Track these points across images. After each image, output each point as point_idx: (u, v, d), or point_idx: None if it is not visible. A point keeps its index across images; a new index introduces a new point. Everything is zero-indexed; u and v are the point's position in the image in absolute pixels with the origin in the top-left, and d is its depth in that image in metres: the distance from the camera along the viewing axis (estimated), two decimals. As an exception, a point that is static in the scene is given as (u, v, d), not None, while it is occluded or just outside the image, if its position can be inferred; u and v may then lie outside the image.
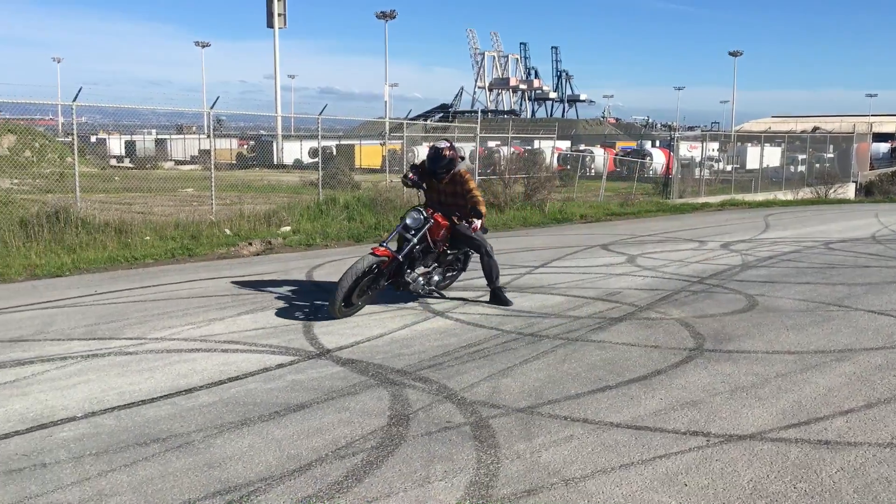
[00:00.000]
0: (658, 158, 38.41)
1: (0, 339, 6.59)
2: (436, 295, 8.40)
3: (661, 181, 28.76)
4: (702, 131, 49.03)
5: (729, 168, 34.65)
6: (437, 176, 8.09)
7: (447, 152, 8.00)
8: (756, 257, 11.83)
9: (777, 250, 12.69)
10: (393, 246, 7.69)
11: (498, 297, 8.21)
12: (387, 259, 7.51)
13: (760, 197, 27.92)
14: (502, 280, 8.55)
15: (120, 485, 3.83)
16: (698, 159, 30.99)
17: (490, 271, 8.17)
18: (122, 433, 4.50)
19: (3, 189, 19.02)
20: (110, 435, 4.47)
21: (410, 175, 8.11)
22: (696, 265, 11.01)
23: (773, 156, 35.72)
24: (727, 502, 3.74)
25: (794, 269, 10.72)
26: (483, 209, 7.83)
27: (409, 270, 7.75)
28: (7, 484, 3.83)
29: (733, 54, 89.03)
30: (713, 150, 35.70)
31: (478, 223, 7.86)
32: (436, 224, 7.79)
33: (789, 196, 29.14)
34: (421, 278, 7.91)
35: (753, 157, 36.56)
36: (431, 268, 8.11)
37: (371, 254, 7.46)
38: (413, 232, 7.70)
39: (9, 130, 29.06)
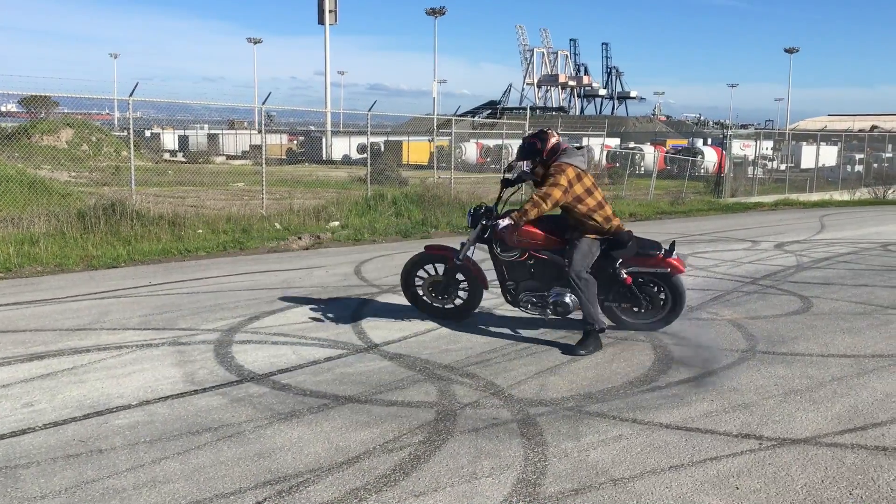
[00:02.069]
0: (710, 157, 37.74)
1: (59, 328, 6.77)
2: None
3: (712, 180, 28.25)
4: (755, 129, 48.12)
5: (783, 167, 33.96)
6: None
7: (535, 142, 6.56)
8: (811, 258, 11.56)
9: (833, 251, 12.38)
10: None
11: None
12: None
13: (815, 197, 27.26)
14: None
15: (173, 472, 3.91)
16: (751, 158, 30.40)
17: None
18: (175, 422, 4.59)
19: (62, 181, 19.58)
20: (164, 423, 4.57)
21: None
22: (748, 265, 10.80)
23: (828, 155, 34.88)
24: (780, 507, 3.66)
25: (850, 270, 10.45)
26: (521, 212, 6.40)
27: None
28: (65, 469, 3.93)
29: (789, 51, 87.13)
30: (767, 148, 35.02)
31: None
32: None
33: (846, 196, 28.39)
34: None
35: (808, 156, 35.76)
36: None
37: None
38: None
39: (67, 124, 29.91)
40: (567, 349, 6.26)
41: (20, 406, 4.81)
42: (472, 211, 6.95)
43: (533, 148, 6.51)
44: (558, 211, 6.52)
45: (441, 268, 7.13)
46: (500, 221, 6.39)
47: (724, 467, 4.07)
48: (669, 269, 6.59)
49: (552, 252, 6.57)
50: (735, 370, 5.79)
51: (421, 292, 7.24)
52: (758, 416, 4.83)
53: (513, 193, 7.40)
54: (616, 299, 6.75)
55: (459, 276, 7.10)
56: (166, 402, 4.92)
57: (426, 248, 7.27)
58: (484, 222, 6.72)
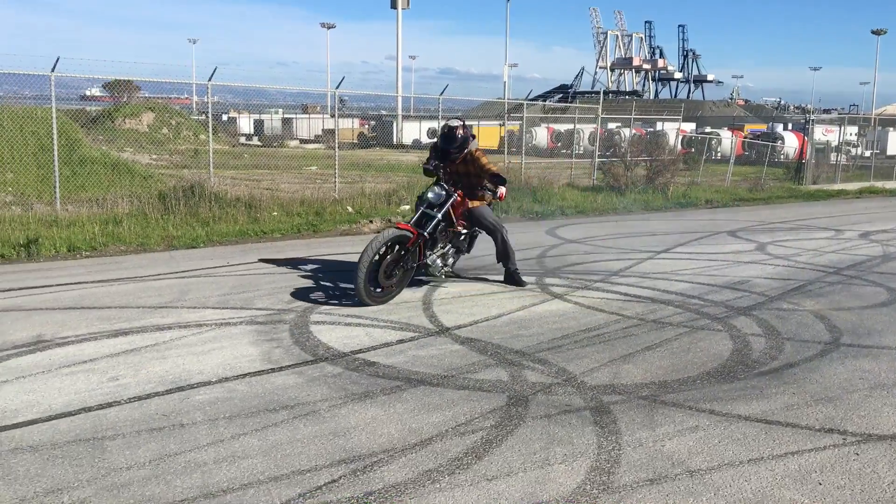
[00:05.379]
0: (790, 142, 36.58)
1: (142, 305, 7.00)
2: (450, 276, 8.22)
3: (793, 166, 27.36)
4: (839, 114, 46.41)
5: (868, 153, 32.63)
6: (450, 157, 7.81)
7: (460, 131, 7.79)
8: (899, 248, 11.09)
9: (922, 242, 11.84)
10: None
11: (514, 278, 8.08)
12: (411, 235, 7.22)
13: (903, 185, 26.11)
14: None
15: (251, 448, 4.00)
16: (834, 144, 29.31)
17: (507, 253, 8.04)
18: (253, 399, 4.70)
19: (143, 164, 20.22)
20: (242, 400, 4.68)
21: (430, 164, 7.82)
22: (831, 255, 10.43)
23: (918, 141, 33.33)
24: (866, 505, 3.53)
25: (942, 262, 9.98)
26: (503, 176, 7.76)
27: (428, 251, 7.55)
28: (149, 441, 4.07)
29: (876, 32, 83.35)
30: (851, 134, 33.65)
31: (503, 189, 7.67)
32: (457, 200, 7.63)
33: (935, 184, 27.10)
34: (438, 259, 7.73)
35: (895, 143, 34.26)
36: (446, 249, 7.87)
37: (394, 227, 7.33)
38: (437, 208, 7.49)
39: (148, 108, 30.81)
40: (512, 280, 8.05)
41: (106, 380, 4.99)
42: (440, 187, 7.68)
43: (464, 137, 7.79)
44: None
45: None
46: (500, 189, 7.68)
47: (806, 462, 3.95)
48: None
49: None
50: (818, 363, 5.60)
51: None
52: (842, 411, 4.67)
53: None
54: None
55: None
56: (244, 380, 5.04)
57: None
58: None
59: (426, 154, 8.12)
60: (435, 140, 8.17)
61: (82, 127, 18.80)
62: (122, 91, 27.78)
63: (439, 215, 7.47)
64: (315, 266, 9.13)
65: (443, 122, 8.31)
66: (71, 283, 7.97)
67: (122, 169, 16.66)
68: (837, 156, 27.84)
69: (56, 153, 12.20)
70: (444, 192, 7.55)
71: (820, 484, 3.72)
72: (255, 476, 3.68)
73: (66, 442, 4.02)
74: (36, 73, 12.20)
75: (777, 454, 4.04)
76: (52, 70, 11.93)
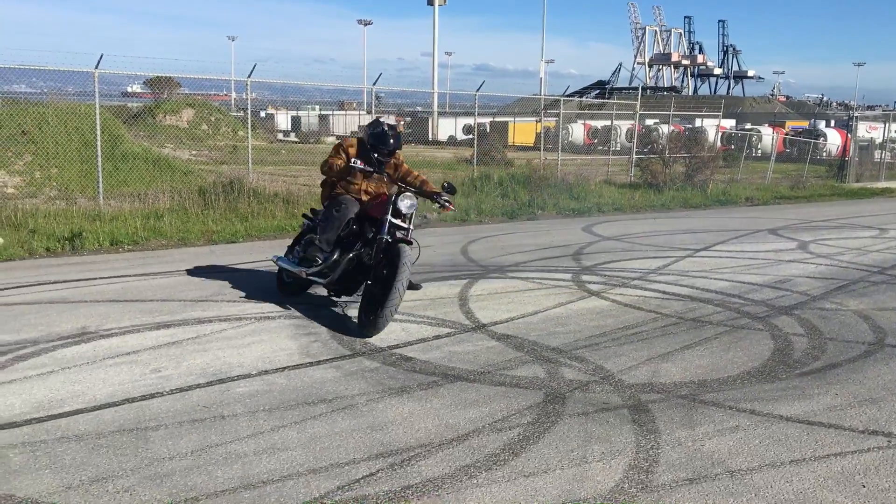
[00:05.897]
0: (833, 139, 35.91)
1: (183, 299, 7.11)
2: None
3: (835, 164, 26.88)
4: (883, 111, 45.45)
5: (914, 151, 31.87)
6: (383, 159, 6.87)
7: (397, 129, 7.03)
8: (946, 248, 10.83)
9: (971, 241, 11.55)
10: None
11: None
12: None
13: (950, 183, 25.49)
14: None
15: (291, 440, 4.04)
16: (879, 141, 28.71)
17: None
18: (291, 392, 4.75)
19: (183, 160, 20.47)
20: (281, 393, 4.73)
21: (360, 164, 6.67)
22: (875, 254, 10.23)
23: (967, 138, 32.45)
24: (912, 509, 3.46)
25: None
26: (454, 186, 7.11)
27: None
28: (191, 432, 4.13)
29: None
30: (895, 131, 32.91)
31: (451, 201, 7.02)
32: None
33: (985, 183, 26.41)
34: None
35: (943, 140, 33.37)
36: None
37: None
38: (409, 219, 6.61)
39: (188, 105, 31.17)
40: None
41: (149, 371, 5.08)
42: (413, 197, 6.72)
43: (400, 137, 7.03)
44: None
45: None
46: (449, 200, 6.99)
47: (850, 464, 3.89)
48: None
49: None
50: (861, 363, 5.50)
51: None
52: (886, 413, 4.58)
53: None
54: None
55: None
56: (283, 373, 5.09)
57: None
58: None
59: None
60: (360, 136, 7.01)
61: (124, 123, 19.08)
62: (163, 88, 28.12)
63: (411, 227, 6.69)
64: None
65: (377, 118, 7.23)
66: (114, 277, 8.12)
67: (162, 164, 16.88)
68: (882, 153, 27.27)
69: (99, 148, 12.42)
70: (415, 203, 6.67)
71: (863, 486, 3.66)
72: (294, 468, 3.72)
73: (110, 432, 4.10)
74: (80, 70, 12.44)
75: (819, 455, 3.98)
76: (96, 67, 12.14)
